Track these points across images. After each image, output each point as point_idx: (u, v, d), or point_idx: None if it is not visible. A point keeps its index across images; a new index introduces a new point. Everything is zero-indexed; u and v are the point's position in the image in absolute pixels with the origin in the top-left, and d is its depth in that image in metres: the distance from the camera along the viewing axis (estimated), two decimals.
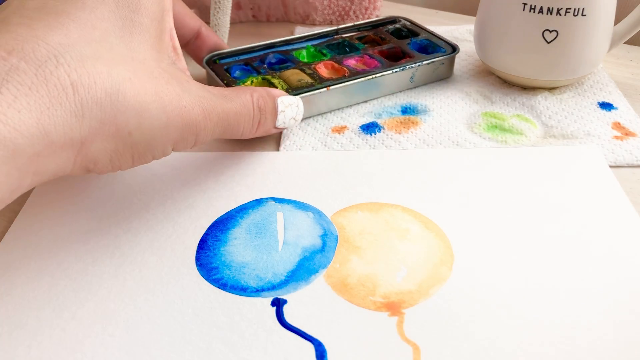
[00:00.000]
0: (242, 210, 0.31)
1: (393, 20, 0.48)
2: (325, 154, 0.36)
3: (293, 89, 0.38)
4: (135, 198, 0.32)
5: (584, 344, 0.23)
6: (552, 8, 0.37)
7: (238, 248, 0.28)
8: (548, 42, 0.39)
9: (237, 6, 0.53)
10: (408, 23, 0.48)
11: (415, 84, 0.43)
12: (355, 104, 0.41)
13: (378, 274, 0.27)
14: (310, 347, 0.24)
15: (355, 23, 0.47)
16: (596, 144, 0.36)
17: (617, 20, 0.41)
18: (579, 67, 0.40)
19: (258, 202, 0.31)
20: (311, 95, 0.38)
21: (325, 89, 0.38)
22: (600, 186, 0.32)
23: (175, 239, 0.29)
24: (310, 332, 0.24)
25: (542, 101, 0.40)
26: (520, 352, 0.23)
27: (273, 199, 0.32)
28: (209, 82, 0.42)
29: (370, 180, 0.33)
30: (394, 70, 0.41)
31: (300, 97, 0.37)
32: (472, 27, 0.51)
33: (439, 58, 0.42)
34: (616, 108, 0.40)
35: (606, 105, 0.40)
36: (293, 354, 0.23)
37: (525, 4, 0.38)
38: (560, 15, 0.38)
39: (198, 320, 0.25)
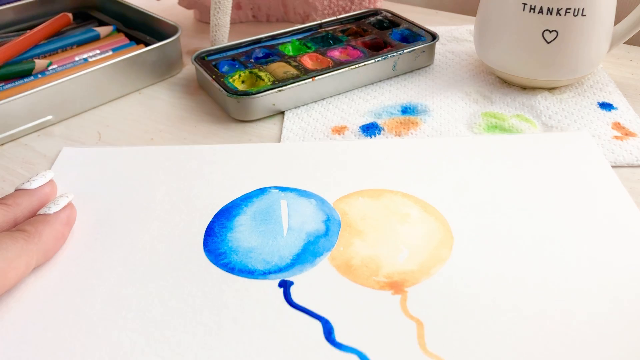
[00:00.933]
0: (246, 198, 0.34)
1: (375, 12, 0.53)
2: (325, 144, 0.39)
3: (279, 81, 0.42)
4: (141, 189, 0.35)
5: (579, 316, 0.26)
6: (552, 8, 0.39)
7: (244, 234, 0.31)
8: (548, 42, 0.41)
9: (237, 6, 0.56)
10: (389, 14, 0.52)
11: (398, 72, 0.47)
12: (342, 94, 0.45)
13: (381, 256, 0.30)
14: (317, 325, 0.26)
15: (338, 17, 0.52)
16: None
17: (617, 20, 0.43)
18: (579, 67, 0.42)
19: (262, 191, 0.34)
20: (298, 86, 0.42)
21: (310, 79, 0.42)
22: (592, 169, 0.35)
23: (183, 227, 0.32)
24: (317, 311, 0.27)
25: (542, 101, 0.42)
26: (517, 326, 0.26)
27: (276, 187, 0.35)
28: (199, 77, 0.47)
29: (370, 168, 0.36)
30: (376, 60, 0.45)
31: (287, 89, 0.41)
32: (472, 27, 0.53)
33: (420, 46, 0.47)
34: (616, 108, 0.42)
35: (606, 105, 0.42)
36: (302, 331, 0.26)
37: (525, 4, 0.40)
38: (560, 15, 0.40)
39: (208, 302, 0.28)
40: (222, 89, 0.41)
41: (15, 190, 0.32)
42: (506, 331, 0.26)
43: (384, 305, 0.27)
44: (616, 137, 0.38)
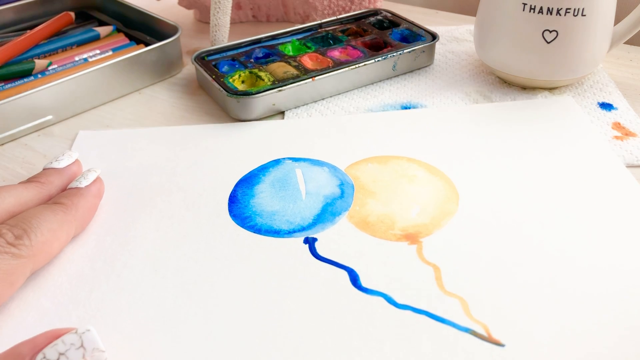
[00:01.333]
0: (263, 169, 0.40)
1: (375, 12, 0.58)
2: (330, 118, 0.45)
3: (279, 81, 0.46)
4: (161, 165, 0.41)
5: (578, 254, 0.32)
6: (552, 8, 0.43)
7: (266, 200, 0.37)
8: (548, 42, 0.44)
9: (237, 6, 0.61)
10: (389, 14, 0.57)
11: (398, 72, 0.52)
12: (342, 93, 0.49)
13: (394, 212, 0.36)
14: (344, 274, 0.32)
15: (338, 17, 0.56)
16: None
17: (617, 20, 0.46)
18: (579, 67, 0.45)
19: (276, 162, 0.41)
20: (298, 86, 0.46)
21: (310, 79, 0.46)
22: (576, 126, 0.42)
23: (207, 197, 0.38)
24: (342, 262, 0.33)
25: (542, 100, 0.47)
26: (522, 263, 0.32)
27: (289, 158, 0.41)
28: (199, 77, 0.51)
29: (375, 138, 0.43)
30: (376, 60, 0.49)
31: (287, 88, 0.45)
32: (472, 27, 0.59)
33: (420, 46, 0.51)
34: (616, 108, 0.45)
35: (606, 106, 0.46)
36: (330, 280, 0.32)
37: (525, 4, 0.44)
38: (560, 15, 0.43)
39: (241, 260, 0.33)
40: (222, 89, 0.45)
41: (44, 169, 0.37)
42: (512, 268, 0.32)
43: (402, 254, 0.33)
44: (616, 137, 0.42)
